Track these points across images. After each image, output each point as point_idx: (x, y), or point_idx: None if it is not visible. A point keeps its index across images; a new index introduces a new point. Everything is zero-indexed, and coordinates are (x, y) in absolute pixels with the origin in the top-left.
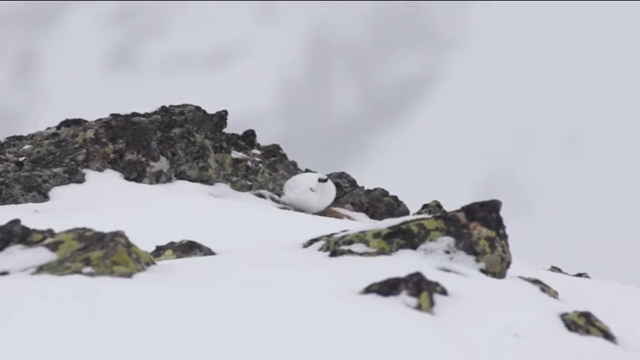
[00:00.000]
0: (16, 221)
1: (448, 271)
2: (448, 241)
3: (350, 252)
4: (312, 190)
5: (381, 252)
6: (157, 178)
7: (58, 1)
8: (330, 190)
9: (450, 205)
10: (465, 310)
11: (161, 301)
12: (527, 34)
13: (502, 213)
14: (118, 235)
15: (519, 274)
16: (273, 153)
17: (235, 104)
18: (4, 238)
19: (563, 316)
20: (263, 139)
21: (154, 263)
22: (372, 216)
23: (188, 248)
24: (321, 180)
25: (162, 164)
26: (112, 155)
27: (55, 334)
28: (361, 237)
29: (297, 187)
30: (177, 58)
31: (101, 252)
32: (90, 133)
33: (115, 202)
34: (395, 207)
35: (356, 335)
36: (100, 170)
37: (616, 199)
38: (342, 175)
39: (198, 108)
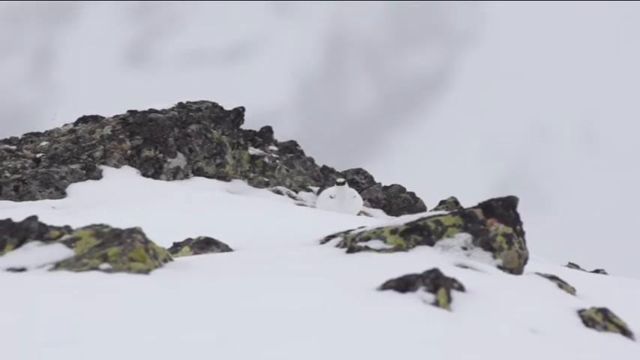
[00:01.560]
0: (34, 218)
1: (465, 267)
2: (465, 237)
3: (367, 248)
4: (331, 197)
5: (398, 248)
6: (175, 174)
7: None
8: (349, 194)
9: (467, 202)
10: (482, 307)
11: (179, 297)
12: (543, 29)
13: (519, 209)
14: (135, 232)
15: (536, 271)
16: (291, 149)
17: (252, 100)
18: (22, 234)
19: (581, 312)
20: (280, 136)
21: (171, 260)
22: (389, 212)
23: (205, 244)
24: (338, 183)
25: (180, 161)
26: (129, 152)
27: (71, 330)
28: (378, 233)
29: (321, 196)
30: (194, 54)
31: (118, 248)
32: (107, 130)
33: (132, 198)
34: (412, 203)
35: (373, 331)
36: (117, 167)
37: (633, 194)
38: (359, 172)
39: (215, 104)
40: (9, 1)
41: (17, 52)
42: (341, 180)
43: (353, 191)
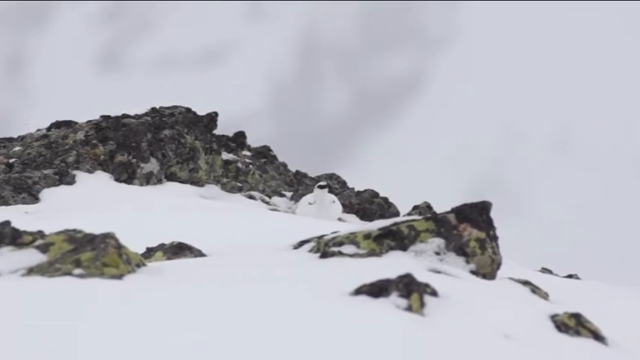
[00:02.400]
0: (7, 223)
1: (438, 272)
2: (438, 242)
3: (340, 253)
4: (310, 203)
5: (372, 253)
6: (148, 179)
7: (48, 0)
8: (328, 199)
9: (441, 206)
10: (455, 312)
11: (152, 302)
12: (516, 34)
13: (492, 214)
14: (108, 237)
15: (510, 276)
16: (264, 154)
17: (225, 105)
18: None
19: (554, 317)
20: (253, 140)
21: (144, 265)
22: (363, 217)
23: (178, 250)
24: (320, 187)
25: (153, 166)
26: (102, 157)
27: (43, 336)
28: (351, 238)
29: (301, 203)
30: (167, 58)
31: (92, 253)
32: (80, 135)
33: (106, 203)
34: (385, 208)
35: (346, 336)
36: (90, 172)
37: (606, 198)
38: (332, 177)
39: (188, 109)
40: None
41: None
42: (323, 183)
43: (332, 196)
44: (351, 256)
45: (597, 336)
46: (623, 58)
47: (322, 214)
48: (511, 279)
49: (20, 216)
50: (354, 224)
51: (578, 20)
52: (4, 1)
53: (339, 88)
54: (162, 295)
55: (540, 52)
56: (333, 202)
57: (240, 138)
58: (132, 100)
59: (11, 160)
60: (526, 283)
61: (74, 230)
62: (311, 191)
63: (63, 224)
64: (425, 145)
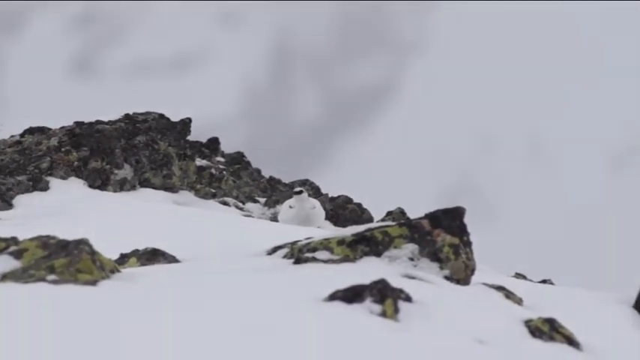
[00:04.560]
0: None
1: (412, 278)
2: (412, 248)
3: (314, 259)
4: (290, 207)
5: (346, 259)
6: (121, 185)
7: (23, 1)
8: (308, 205)
9: (414, 212)
10: (429, 317)
11: (125, 309)
12: (488, 41)
13: (466, 220)
14: (82, 243)
15: (484, 281)
16: (237, 160)
17: (198, 110)
18: None
19: (528, 323)
20: (227, 146)
21: (118, 271)
22: (336, 223)
23: (152, 256)
24: (295, 192)
25: (127, 172)
26: (75, 163)
27: (17, 341)
28: (325, 244)
29: (282, 208)
30: (140, 64)
31: (65, 260)
32: (54, 141)
33: (79, 209)
34: (359, 214)
35: (320, 342)
36: (64, 178)
37: (578, 202)
38: (305, 183)
39: (162, 115)
40: None
41: None
42: (298, 189)
43: (313, 202)
44: (325, 261)
45: (571, 341)
46: (592, 61)
47: (301, 219)
48: (485, 284)
49: None
50: (327, 230)
51: (548, 26)
52: None
53: (313, 94)
54: (134, 301)
55: (511, 58)
56: (314, 207)
57: (213, 144)
58: (105, 106)
59: None
60: (500, 288)
61: (48, 236)
62: (285, 197)
63: (37, 230)
64: (398, 151)
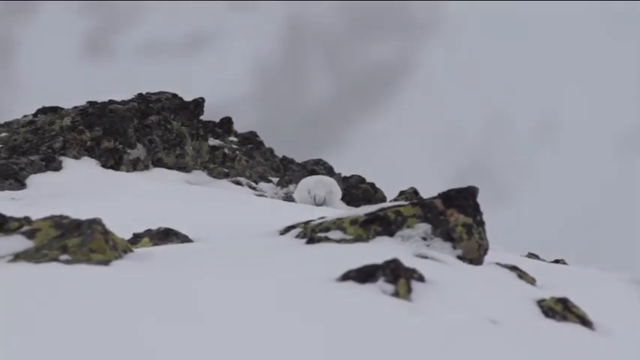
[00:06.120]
0: None
1: (425, 257)
2: (425, 227)
3: (327, 239)
4: (309, 191)
5: (358, 239)
6: (134, 165)
7: None
8: (324, 185)
9: (427, 192)
10: (442, 297)
11: (138, 289)
12: (502, 22)
13: (479, 199)
14: (95, 223)
15: (496, 261)
16: (250, 140)
17: (212, 91)
18: None
19: (540, 303)
20: (240, 126)
21: (131, 251)
22: (349, 203)
23: (165, 236)
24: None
25: (140, 152)
26: (88, 143)
27: (30, 321)
28: (338, 224)
29: (300, 186)
30: (153, 44)
31: (78, 239)
32: (67, 121)
33: (92, 189)
34: (372, 194)
35: (333, 322)
36: (76, 158)
37: (590, 182)
38: (318, 162)
39: (174, 95)
40: None
41: None
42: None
43: (329, 183)
44: (338, 241)
45: (584, 321)
46: (606, 42)
47: (320, 199)
48: (498, 264)
49: (6, 202)
50: (340, 210)
51: (565, 10)
52: None
53: (326, 74)
54: (148, 281)
55: (525, 40)
56: (331, 192)
57: (226, 124)
58: (118, 86)
59: None
60: (513, 268)
61: (61, 216)
62: (298, 177)
63: (50, 210)
64: (411, 131)
